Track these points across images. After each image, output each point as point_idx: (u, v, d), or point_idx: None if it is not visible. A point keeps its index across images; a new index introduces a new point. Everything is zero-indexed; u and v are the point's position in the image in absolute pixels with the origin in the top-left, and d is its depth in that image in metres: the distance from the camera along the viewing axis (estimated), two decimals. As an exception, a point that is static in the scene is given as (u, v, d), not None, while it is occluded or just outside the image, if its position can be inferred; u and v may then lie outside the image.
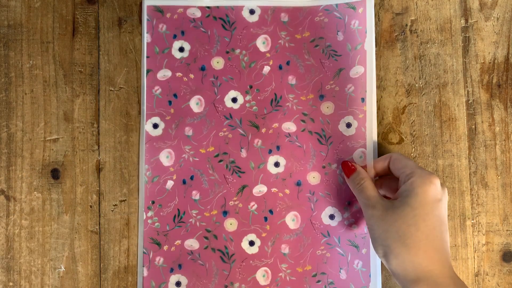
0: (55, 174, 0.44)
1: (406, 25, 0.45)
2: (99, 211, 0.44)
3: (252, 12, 0.45)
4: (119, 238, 0.44)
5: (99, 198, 0.44)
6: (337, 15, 0.45)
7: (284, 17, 0.45)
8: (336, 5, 0.45)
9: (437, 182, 0.37)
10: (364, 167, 0.43)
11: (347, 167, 0.42)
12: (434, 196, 0.37)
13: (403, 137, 0.45)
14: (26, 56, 0.45)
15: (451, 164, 0.45)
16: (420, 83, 0.45)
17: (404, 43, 0.45)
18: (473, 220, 0.44)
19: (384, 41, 0.45)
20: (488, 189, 0.45)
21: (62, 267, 0.44)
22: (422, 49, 0.45)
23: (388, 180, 0.42)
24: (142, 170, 0.44)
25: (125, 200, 0.44)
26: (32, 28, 0.45)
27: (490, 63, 0.45)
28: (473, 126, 0.45)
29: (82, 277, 0.44)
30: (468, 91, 0.45)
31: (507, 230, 0.44)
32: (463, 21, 0.45)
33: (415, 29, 0.45)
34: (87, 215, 0.44)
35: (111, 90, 0.45)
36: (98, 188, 0.44)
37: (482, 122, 0.45)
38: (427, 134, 0.45)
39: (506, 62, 0.45)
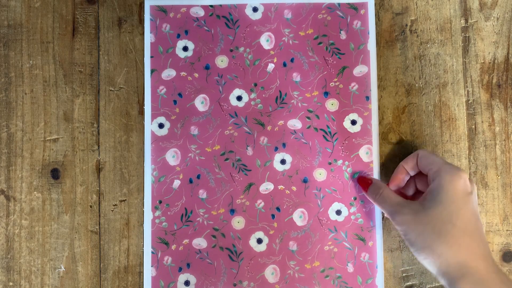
0: (55, 174, 0.44)
1: (406, 25, 0.45)
2: (99, 211, 0.44)
3: (255, 9, 0.45)
4: (119, 238, 0.44)
5: (99, 198, 0.44)
6: (339, 14, 0.45)
7: (288, 14, 0.45)
8: (339, 4, 0.45)
9: (465, 176, 0.37)
10: (371, 162, 0.44)
11: (364, 181, 0.43)
12: (464, 190, 0.37)
13: (403, 137, 0.45)
14: (26, 56, 0.45)
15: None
16: (420, 83, 0.45)
17: (404, 43, 0.45)
18: (473, 220, 0.44)
19: (384, 41, 0.45)
20: (488, 189, 0.45)
21: (62, 267, 0.44)
22: (422, 49, 0.45)
23: (420, 177, 0.42)
24: (148, 170, 0.44)
25: (125, 200, 0.44)
26: (32, 28, 0.45)
27: (490, 63, 0.45)
28: (473, 126, 0.45)
29: (82, 277, 0.44)
30: (468, 91, 0.45)
31: (507, 230, 0.44)
32: (463, 21, 0.45)
33: (415, 29, 0.45)
34: (87, 215, 0.44)
35: (111, 90, 0.45)
36: (98, 188, 0.44)
37: (482, 122, 0.45)
38: (427, 134, 0.45)
39: (506, 62, 0.45)
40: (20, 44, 0.45)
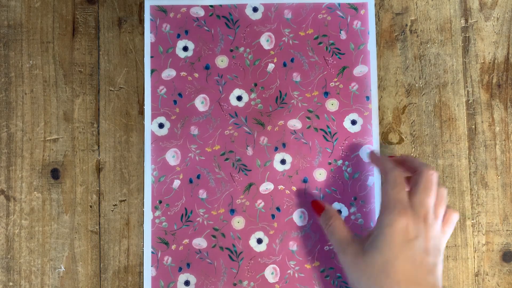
0: (55, 174, 0.44)
1: (406, 25, 0.46)
2: (99, 211, 0.44)
3: (255, 9, 0.45)
4: (119, 238, 0.44)
5: (99, 198, 0.44)
6: (339, 14, 0.45)
7: (288, 14, 0.45)
8: (339, 4, 0.45)
9: (406, 220, 0.34)
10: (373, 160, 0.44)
11: (317, 206, 0.42)
12: (403, 236, 0.34)
13: (403, 137, 0.45)
14: (26, 56, 0.45)
15: (451, 164, 0.45)
16: (420, 83, 0.45)
17: (404, 43, 0.45)
18: (473, 220, 0.44)
19: (384, 41, 0.45)
20: (488, 189, 0.45)
21: (62, 267, 0.44)
22: (422, 49, 0.45)
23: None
24: (148, 170, 0.44)
25: (125, 200, 0.44)
26: (32, 28, 0.45)
27: (490, 63, 0.45)
28: (473, 126, 0.45)
29: (82, 277, 0.44)
30: (468, 91, 0.45)
31: (507, 230, 0.44)
32: (463, 21, 0.45)
33: (415, 29, 0.45)
34: (87, 215, 0.44)
35: (111, 90, 0.45)
36: (98, 188, 0.44)
37: (482, 122, 0.45)
38: (427, 134, 0.45)
39: (506, 62, 0.45)
40: (20, 44, 0.45)
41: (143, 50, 0.45)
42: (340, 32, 0.45)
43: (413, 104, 0.45)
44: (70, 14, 0.45)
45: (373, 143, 0.44)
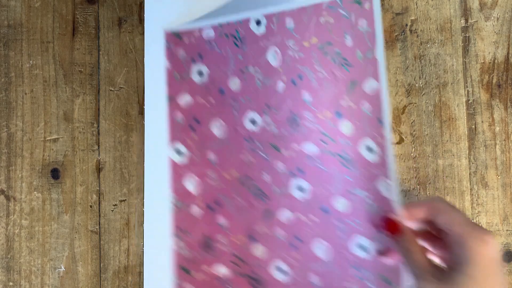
0: (55, 174, 0.44)
1: (406, 25, 0.46)
2: (99, 211, 0.44)
3: (258, 22, 0.44)
4: (119, 238, 0.44)
5: (99, 198, 0.44)
6: (342, 13, 0.42)
7: (290, 23, 0.43)
8: (340, 0, 0.42)
9: (491, 240, 0.34)
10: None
11: (391, 225, 0.37)
12: (492, 257, 0.33)
13: (403, 137, 0.45)
14: (26, 56, 0.45)
15: (451, 164, 0.45)
16: (420, 83, 0.45)
17: (404, 43, 0.45)
18: (473, 220, 0.44)
19: (384, 41, 0.45)
20: (488, 189, 0.45)
21: (62, 267, 0.44)
22: (422, 49, 0.45)
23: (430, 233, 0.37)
24: (148, 170, 0.43)
25: (125, 200, 0.44)
26: (32, 28, 0.45)
27: (490, 63, 0.45)
28: (473, 126, 0.45)
29: (82, 277, 0.44)
30: (468, 91, 0.45)
31: (507, 230, 0.44)
32: (463, 21, 0.45)
33: (415, 29, 0.45)
34: (87, 215, 0.44)
35: (111, 90, 0.45)
36: (98, 188, 0.44)
37: (482, 122, 0.45)
38: (427, 134, 0.45)
39: (506, 62, 0.45)
40: (20, 44, 0.45)
41: (143, 50, 0.45)
42: (345, 37, 0.42)
43: (413, 104, 0.45)
44: (70, 14, 0.45)
45: (390, 177, 0.39)
